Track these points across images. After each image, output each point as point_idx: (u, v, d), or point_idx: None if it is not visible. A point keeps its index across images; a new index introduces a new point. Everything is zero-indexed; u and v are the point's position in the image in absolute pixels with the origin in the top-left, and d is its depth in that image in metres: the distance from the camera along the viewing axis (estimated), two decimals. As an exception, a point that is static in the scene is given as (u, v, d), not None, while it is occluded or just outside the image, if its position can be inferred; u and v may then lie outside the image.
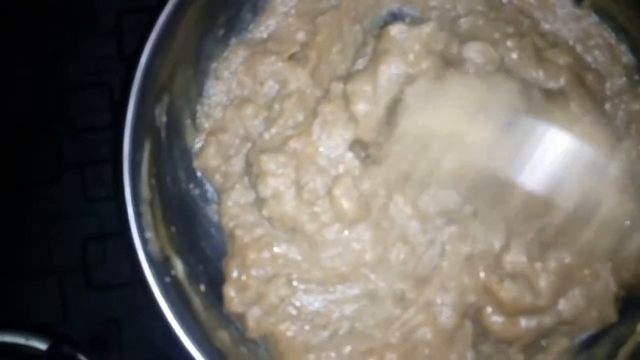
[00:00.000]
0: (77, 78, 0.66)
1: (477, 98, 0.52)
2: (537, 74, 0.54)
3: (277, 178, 0.53)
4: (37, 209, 0.64)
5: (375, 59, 0.54)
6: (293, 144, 0.54)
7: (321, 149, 0.53)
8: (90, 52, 0.65)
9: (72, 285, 0.64)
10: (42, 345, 0.59)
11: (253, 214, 0.55)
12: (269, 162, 0.54)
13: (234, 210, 0.56)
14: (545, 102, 0.53)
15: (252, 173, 0.55)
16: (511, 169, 0.51)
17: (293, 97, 0.56)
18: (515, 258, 0.52)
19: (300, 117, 0.55)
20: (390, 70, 0.53)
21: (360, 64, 0.56)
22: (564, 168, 0.52)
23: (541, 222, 0.52)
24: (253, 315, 0.54)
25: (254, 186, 0.55)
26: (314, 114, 0.54)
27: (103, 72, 0.65)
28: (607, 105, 0.57)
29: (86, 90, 0.65)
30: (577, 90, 0.55)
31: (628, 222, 0.52)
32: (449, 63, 0.53)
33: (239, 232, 0.55)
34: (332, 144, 0.54)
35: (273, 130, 0.55)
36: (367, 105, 0.53)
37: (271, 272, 0.54)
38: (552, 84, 0.54)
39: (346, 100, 0.54)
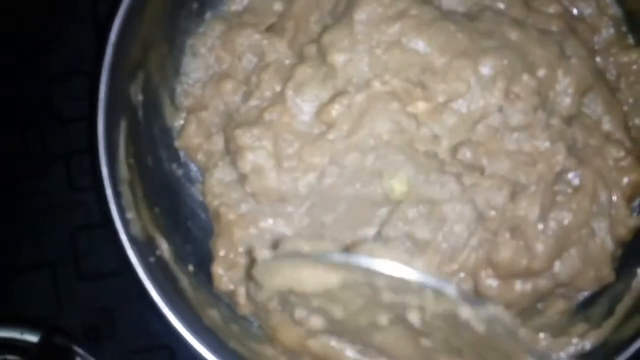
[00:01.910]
0: (60, 67, 0.65)
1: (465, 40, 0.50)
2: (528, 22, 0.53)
3: (255, 151, 0.52)
4: (24, 201, 0.64)
5: (349, 6, 0.52)
6: (268, 115, 0.53)
7: (296, 114, 0.52)
8: (73, 40, 0.65)
9: (63, 276, 0.63)
10: (36, 338, 0.58)
11: (237, 191, 0.54)
12: (244, 137, 0.53)
13: (217, 188, 0.55)
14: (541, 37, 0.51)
15: (231, 149, 0.54)
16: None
17: (270, 68, 0.55)
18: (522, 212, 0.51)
19: (277, 88, 0.54)
20: (366, 14, 0.51)
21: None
22: None
23: None
24: (242, 294, 0.53)
25: (233, 163, 0.54)
26: (287, 80, 0.53)
27: (86, 60, 0.65)
28: (597, 59, 0.56)
29: (70, 80, 0.65)
30: (571, 39, 0.53)
31: None
32: (427, 2, 0.52)
33: (223, 210, 0.54)
34: (307, 107, 0.52)
35: (250, 103, 0.54)
36: (346, 54, 0.51)
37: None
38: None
39: (322, 53, 0.52)
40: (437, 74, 0.51)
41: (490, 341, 0.42)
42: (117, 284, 0.62)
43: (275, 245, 0.48)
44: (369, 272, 0.41)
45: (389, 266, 0.41)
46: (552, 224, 0.51)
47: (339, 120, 0.52)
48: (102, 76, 0.48)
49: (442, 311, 0.41)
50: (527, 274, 0.51)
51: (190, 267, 0.55)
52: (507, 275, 0.51)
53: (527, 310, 0.53)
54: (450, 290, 0.41)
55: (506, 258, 0.51)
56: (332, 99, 0.52)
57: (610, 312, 0.52)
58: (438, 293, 0.41)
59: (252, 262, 0.47)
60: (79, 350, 0.60)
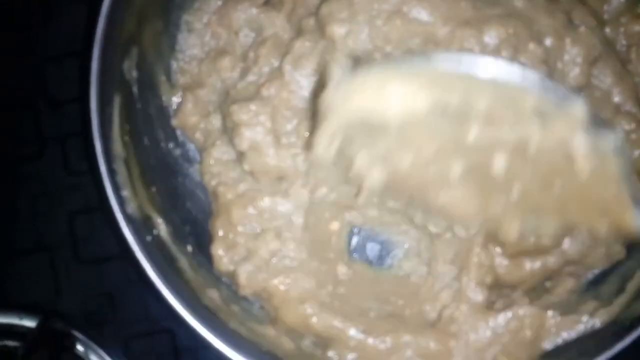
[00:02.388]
0: (53, 49, 0.63)
1: None
2: None
3: (252, 128, 0.51)
4: (20, 185, 0.63)
5: None
6: (266, 91, 0.51)
7: (295, 89, 0.51)
8: (66, 21, 0.63)
9: (62, 261, 0.62)
10: (34, 324, 0.58)
11: (235, 170, 0.53)
12: (240, 113, 0.51)
13: (215, 167, 0.54)
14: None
15: (228, 127, 0.53)
16: None
17: (268, 43, 0.53)
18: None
19: (276, 63, 0.52)
20: None
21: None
22: None
23: None
24: (244, 273, 0.52)
25: (231, 141, 0.53)
26: (285, 54, 0.52)
27: (80, 41, 0.63)
28: (607, 29, 0.54)
29: (64, 61, 0.64)
30: (579, 7, 0.52)
31: None
32: None
33: (221, 190, 0.53)
34: (305, 82, 0.51)
35: (248, 79, 0.53)
36: (345, 26, 0.50)
37: (258, 227, 0.52)
38: None
39: (321, 25, 0.51)
40: (439, 45, 0.50)
41: (591, 190, 0.34)
42: (117, 269, 0.61)
43: (355, 62, 0.39)
44: (469, 88, 0.34)
45: (499, 68, 0.33)
46: None
47: None
48: (94, 48, 0.47)
49: (547, 144, 0.33)
50: (535, 252, 0.50)
51: (189, 248, 0.54)
52: (515, 253, 0.50)
53: (534, 288, 0.52)
54: (578, 107, 0.33)
55: (513, 237, 0.49)
56: None
57: (621, 290, 0.51)
58: (552, 116, 0.33)
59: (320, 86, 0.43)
60: (79, 336, 0.59)
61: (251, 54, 0.54)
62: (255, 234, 0.52)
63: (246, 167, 0.52)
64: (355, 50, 0.51)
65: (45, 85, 0.63)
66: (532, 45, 0.49)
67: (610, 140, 0.35)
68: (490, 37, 0.49)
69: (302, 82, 0.51)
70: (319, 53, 0.51)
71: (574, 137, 0.34)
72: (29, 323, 0.58)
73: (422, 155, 0.38)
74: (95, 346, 0.59)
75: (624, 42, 0.54)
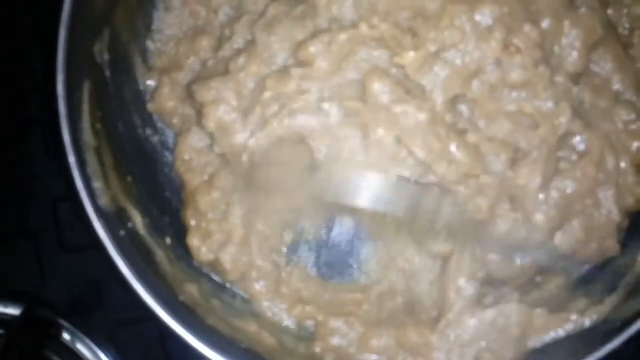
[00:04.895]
0: (37, 27, 0.60)
1: None
2: None
3: (217, 107, 0.48)
4: (2, 169, 0.61)
5: None
6: (234, 65, 0.48)
7: (267, 59, 0.47)
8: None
9: (46, 248, 0.61)
10: (19, 312, 0.57)
11: (208, 157, 0.51)
12: (202, 92, 0.48)
13: (187, 154, 0.52)
14: None
15: (195, 108, 0.50)
16: None
17: (244, 19, 0.50)
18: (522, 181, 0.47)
19: (250, 37, 0.49)
20: None
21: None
22: None
23: None
24: (227, 259, 0.50)
25: (199, 123, 0.50)
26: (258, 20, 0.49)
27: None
28: (610, 11, 0.51)
29: (47, 40, 0.61)
30: None
31: None
32: None
33: (188, 178, 0.51)
34: (279, 49, 0.47)
35: (220, 55, 0.50)
36: None
37: (223, 206, 0.50)
38: None
39: None
40: (429, 20, 0.46)
41: None
42: (102, 256, 0.60)
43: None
44: None
45: None
46: (554, 194, 0.47)
47: (318, 59, 0.47)
48: (60, 32, 0.44)
49: None
50: (526, 246, 0.48)
51: (168, 240, 0.52)
52: (506, 248, 0.48)
53: (525, 284, 0.50)
54: None
55: (504, 230, 0.47)
56: (313, 35, 0.47)
57: (613, 288, 0.49)
58: None
59: None
60: (65, 324, 0.58)
61: (226, 31, 0.51)
62: (226, 217, 0.50)
63: (217, 149, 0.49)
64: (339, 20, 0.48)
65: (29, 66, 0.61)
66: (527, 27, 0.46)
67: None
68: (483, 15, 0.46)
69: (276, 49, 0.48)
70: (297, 18, 0.47)
71: None
72: (14, 311, 0.57)
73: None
74: (81, 334, 0.58)
75: (626, 25, 0.51)
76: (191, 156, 0.52)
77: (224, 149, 0.49)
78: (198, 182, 0.51)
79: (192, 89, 0.49)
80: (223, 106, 0.48)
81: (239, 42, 0.50)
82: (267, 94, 0.47)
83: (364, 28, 0.47)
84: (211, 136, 0.50)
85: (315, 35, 0.47)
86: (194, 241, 0.51)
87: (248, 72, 0.48)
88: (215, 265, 0.52)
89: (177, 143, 0.53)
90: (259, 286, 0.52)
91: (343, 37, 0.47)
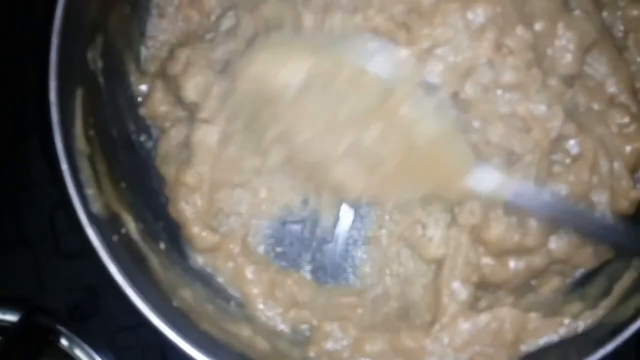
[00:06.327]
0: (31, 32, 0.61)
1: None
2: None
3: (190, 72, 0.49)
4: (0, 177, 0.61)
5: None
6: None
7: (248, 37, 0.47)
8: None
9: (43, 254, 0.61)
10: (16, 318, 0.57)
11: (183, 152, 0.52)
12: (171, 64, 0.49)
13: (164, 150, 0.52)
14: None
15: (171, 88, 0.51)
16: None
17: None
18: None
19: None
20: None
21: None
22: None
23: None
24: (239, 238, 0.52)
25: (179, 98, 0.51)
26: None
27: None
28: (604, 14, 0.51)
29: (43, 45, 0.61)
30: None
31: None
32: None
33: (165, 169, 0.52)
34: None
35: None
36: None
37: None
38: None
39: None
40: (423, 16, 0.47)
41: (432, 152, 0.42)
42: (100, 263, 0.60)
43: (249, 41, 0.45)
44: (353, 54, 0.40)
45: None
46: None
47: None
48: (52, 39, 0.44)
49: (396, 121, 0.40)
50: (520, 251, 0.48)
51: (162, 245, 0.52)
52: (499, 252, 0.48)
53: (519, 287, 0.49)
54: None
55: (497, 235, 0.47)
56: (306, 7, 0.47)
57: (607, 292, 0.49)
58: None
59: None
60: (63, 330, 0.58)
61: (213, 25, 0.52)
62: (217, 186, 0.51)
63: (203, 115, 0.49)
64: (331, 6, 0.47)
65: (25, 72, 0.61)
66: (520, 29, 0.46)
67: (433, 102, 0.40)
68: (476, 14, 0.46)
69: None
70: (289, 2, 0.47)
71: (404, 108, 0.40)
72: (11, 317, 0.57)
73: (312, 129, 0.42)
74: (79, 340, 0.58)
75: (621, 27, 0.51)
76: (167, 150, 0.52)
77: (210, 112, 0.49)
78: (177, 166, 0.51)
79: (163, 66, 0.50)
80: (194, 68, 0.48)
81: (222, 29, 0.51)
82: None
83: (358, 18, 0.47)
84: (195, 105, 0.50)
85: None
86: (194, 230, 0.51)
87: (223, 45, 0.49)
88: (218, 247, 0.52)
89: (158, 141, 0.53)
90: (253, 289, 0.52)
91: (338, 18, 0.47)
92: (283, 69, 0.42)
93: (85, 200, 0.46)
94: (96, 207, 0.47)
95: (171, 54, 0.50)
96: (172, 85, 0.50)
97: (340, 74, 0.42)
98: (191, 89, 0.49)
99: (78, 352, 0.58)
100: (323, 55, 0.42)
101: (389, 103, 0.41)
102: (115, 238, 0.48)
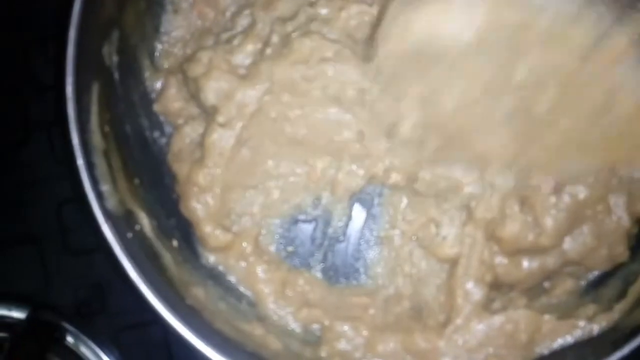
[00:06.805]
0: (38, 32, 0.61)
1: None
2: None
3: (211, 76, 0.48)
4: (6, 174, 0.61)
5: None
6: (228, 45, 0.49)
7: (264, 35, 0.47)
8: (51, 2, 0.61)
9: (50, 251, 0.61)
10: (24, 315, 0.57)
11: (196, 151, 0.51)
12: (192, 66, 0.49)
13: (177, 147, 0.52)
14: None
15: (190, 91, 0.50)
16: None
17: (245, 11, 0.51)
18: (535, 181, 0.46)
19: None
20: None
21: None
22: None
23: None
24: (253, 234, 0.51)
25: (199, 102, 0.50)
26: None
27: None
28: None
29: (48, 44, 0.61)
30: None
31: None
32: None
33: (177, 166, 0.51)
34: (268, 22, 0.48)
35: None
36: None
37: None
38: None
39: None
40: None
41: (633, 124, 0.35)
42: (107, 259, 0.59)
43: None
44: (527, 11, 0.33)
45: None
46: (566, 198, 0.47)
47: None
48: (70, 32, 0.44)
49: (590, 78, 0.33)
50: (534, 250, 0.48)
51: (175, 243, 0.52)
52: (513, 251, 0.48)
53: (533, 288, 0.49)
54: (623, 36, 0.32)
55: (512, 232, 0.47)
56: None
57: (622, 295, 0.48)
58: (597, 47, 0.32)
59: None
60: (69, 327, 0.58)
61: (229, 24, 0.52)
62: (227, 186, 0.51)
63: (220, 119, 0.49)
64: None
65: (30, 69, 0.61)
66: None
67: None
68: None
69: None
70: None
71: (615, 69, 0.33)
72: (19, 314, 0.57)
73: (470, 93, 0.37)
74: (85, 338, 0.58)
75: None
76: (181, 147, 0.52)
77: (229, 115, 0.49)
78: (189, 165, 0.51)
79: (183, 68, 0.49)
80: (216, 72, 0.48)
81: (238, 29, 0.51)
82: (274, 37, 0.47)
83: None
84: (214, 109, 0.49)
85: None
86: (205, 229, 0.50)
87: (243, 47, 0.48)
88: (230, 246, 0.51)
89: (171, 137, 0.53)
90: (265, 288, 0.52)
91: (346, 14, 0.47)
92: (453, 23, 0.35)
93: (101, 196, 0.45)
94: (111, 203, 0.47)
95: (192, 56, 0.49)
96: (192, 87, 0.50)
97: (532, 27, 0.34)
98: (211, 92, 0.49)
99: (84, 349, 0.58)
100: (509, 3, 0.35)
101: (590, 64, 0.34)
102: (129, 235, 0.47)
